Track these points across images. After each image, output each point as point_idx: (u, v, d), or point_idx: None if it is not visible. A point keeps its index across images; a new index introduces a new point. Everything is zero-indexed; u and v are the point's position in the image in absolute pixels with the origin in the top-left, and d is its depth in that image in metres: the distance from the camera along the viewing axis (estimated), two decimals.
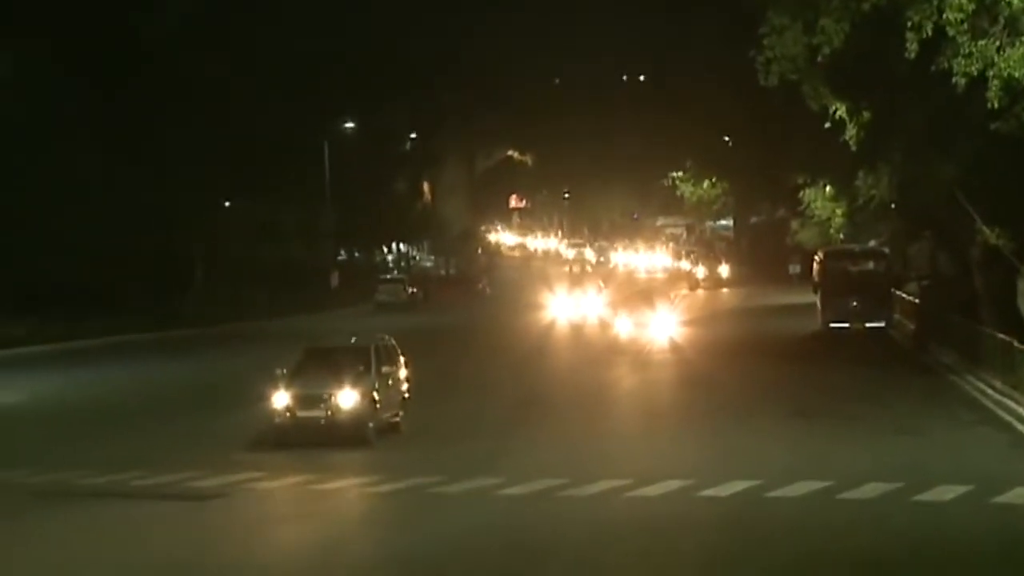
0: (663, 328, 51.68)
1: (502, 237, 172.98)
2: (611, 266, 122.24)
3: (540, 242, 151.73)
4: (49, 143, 61.14)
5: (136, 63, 65.29)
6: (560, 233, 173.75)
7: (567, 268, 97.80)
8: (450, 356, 48.33)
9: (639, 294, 57.81)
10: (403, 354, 32.48)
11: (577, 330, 59.89)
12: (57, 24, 62.34)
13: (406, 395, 31.87)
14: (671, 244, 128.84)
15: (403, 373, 31.93)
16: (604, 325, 56.70)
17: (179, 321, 64.25)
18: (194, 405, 38.04)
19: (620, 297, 57.78)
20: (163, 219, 66.89)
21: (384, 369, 30.54)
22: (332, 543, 21.16)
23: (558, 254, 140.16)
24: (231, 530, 22.24)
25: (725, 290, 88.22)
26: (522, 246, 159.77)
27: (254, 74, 69.51)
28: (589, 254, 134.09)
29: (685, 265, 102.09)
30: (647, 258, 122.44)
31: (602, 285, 70.57)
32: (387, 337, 32.48)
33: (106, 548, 21.16)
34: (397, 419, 31.12)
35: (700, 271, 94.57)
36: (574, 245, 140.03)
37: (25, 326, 57.11)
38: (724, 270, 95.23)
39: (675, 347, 49.39)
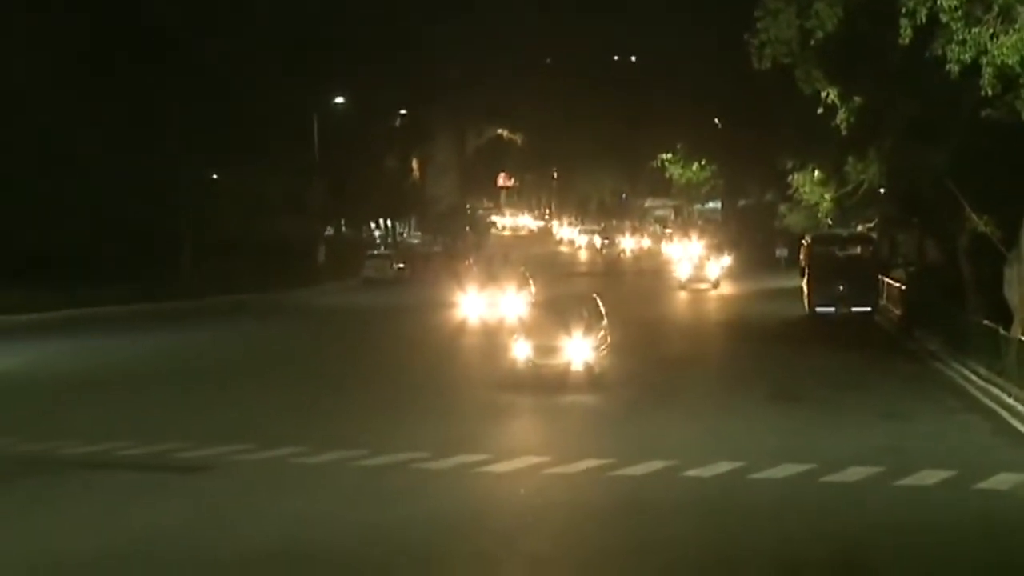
0: (579, 355, 34.69)
1: (519, 220, 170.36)
2: (618, 252, 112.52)
3: (567, 230, 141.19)
4: (41, 113, 60.99)
5: (130, 35, 65.07)
6: (548, 212, 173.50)
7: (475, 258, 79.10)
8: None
9: (551, 310, 37.85)
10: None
11: (489, 336, 45.26)
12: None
13: None
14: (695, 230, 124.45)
15: None
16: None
17: (166, 293, 64.12)
18: (180, 378, 38.07)
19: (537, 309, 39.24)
20: (152, 190, 66.74)
21: None
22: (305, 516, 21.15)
23: (563, 237, 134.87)
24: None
25: (713, 292, 69.81)
26: (545, 228, 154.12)
27: (246, 46, 69.24)
28: (597, 240, 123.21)
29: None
30: (682, 248, 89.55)
31: (531, 281, 54.66)
32: None
33: (93, 516, 21.19)
34: None
35: (684, 270, 73.76)
36: (588, 231, 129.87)
37: (15, 295, 56.97)
38: (713, 268, 73.25)
39: (596, 383, 34.48)
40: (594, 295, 40.11)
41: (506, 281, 53.21)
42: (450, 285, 57.29)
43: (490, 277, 54.72)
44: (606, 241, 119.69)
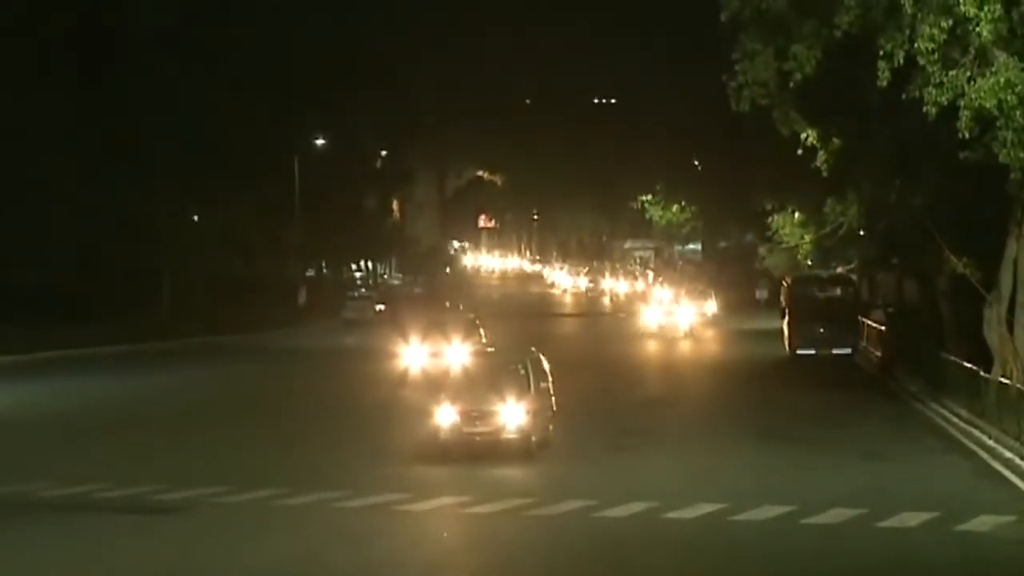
0: (513, 421, 29.53)
1: (507, 262, 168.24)
2: (609, 295, 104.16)
3: (560, 274, 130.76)
4: (18, 148, 60.91)
5: (110, 73, 65.16)
6: (529, 253, 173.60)
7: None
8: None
9: (483, 368, 32.06)
10: None
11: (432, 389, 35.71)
12: (30, 27, 62.23)
13: None
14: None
15: None
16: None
17: (146, 334, 63.89)
18: (157, 421, 37.90)
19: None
20: (132, 230, 66.65)
21: None
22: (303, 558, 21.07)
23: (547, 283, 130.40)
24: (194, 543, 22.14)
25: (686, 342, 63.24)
26: (538, 272, 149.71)
27: (227, 86, 69.34)
28: (582, 281, 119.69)
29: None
30: (673, 293, 75.05)
31: (481, 330, 48.42)
32: None
33: (66, 560, 21.05)
34: None
35: (652, 316, 67.22)
36: (573, 272, 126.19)
37: None
38: (686, 314, 66.53)
39: (530, 455, 29.66)
40: (535, 349, 33.31)
41: (452, 329, 46.68)
42: (391, 334, 51.57)
43: (434, 325, 48.39)
44: (591, 285, 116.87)
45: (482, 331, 48.20)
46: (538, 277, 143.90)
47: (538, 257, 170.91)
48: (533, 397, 30.37)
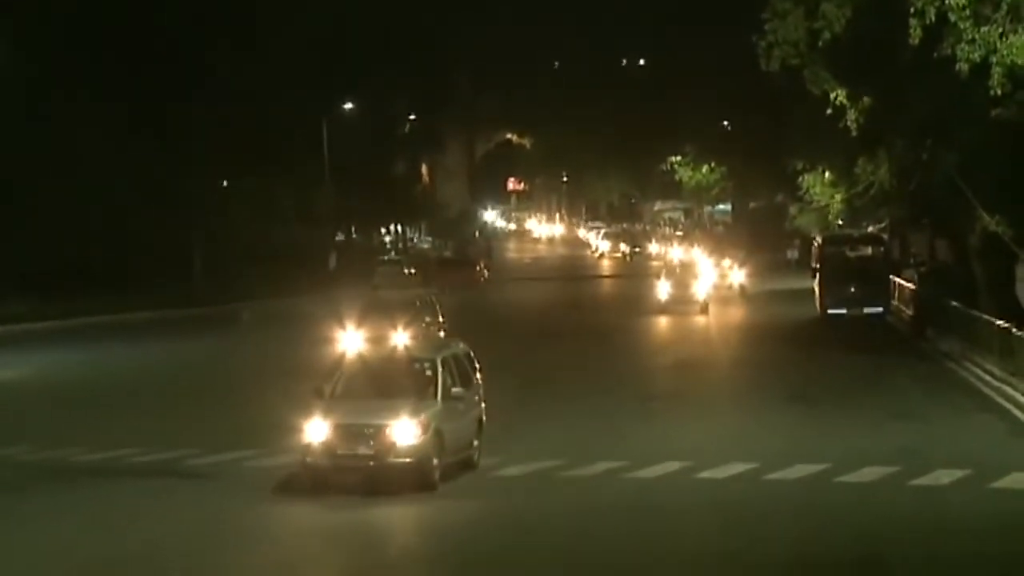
0: (404, 439, 22.29)
1: (555, 229, 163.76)
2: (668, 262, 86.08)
3: (605, 244, 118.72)
4: (49, 119, 61.15)
5: (139, 39, 65.26)
6: (559, 216, 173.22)
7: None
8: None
9: (379, 367, 24.44)
10: None
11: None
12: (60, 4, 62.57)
13: None
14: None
15: None
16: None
17: (177, 301, 64.17)
18: (190, 387, 38.08)
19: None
20: (163, 197, 66.88)
21: None
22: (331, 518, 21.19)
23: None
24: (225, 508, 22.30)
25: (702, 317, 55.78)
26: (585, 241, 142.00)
27: (255, 53, 69.38)
28: (623, 246, 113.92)
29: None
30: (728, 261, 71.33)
31: (439, 310, 40.78)
32: None
33: (101, 525, 21.24)
34: None
35: (663, 288, 58.15)
36: (611, 235, 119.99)
37: (26, 303, 57.13)
38: (701, 286, 58.15)
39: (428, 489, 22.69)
40: (460, 343, 26.28)
41: (398, 310, 35.94)
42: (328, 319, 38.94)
43: (374, 305, 39.36)
44: (637, 249, 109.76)
45: (440, 313, 40.61)
46: (587, 244, 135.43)
47: (594, 223, 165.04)
48: (440, 409, 23.10)
